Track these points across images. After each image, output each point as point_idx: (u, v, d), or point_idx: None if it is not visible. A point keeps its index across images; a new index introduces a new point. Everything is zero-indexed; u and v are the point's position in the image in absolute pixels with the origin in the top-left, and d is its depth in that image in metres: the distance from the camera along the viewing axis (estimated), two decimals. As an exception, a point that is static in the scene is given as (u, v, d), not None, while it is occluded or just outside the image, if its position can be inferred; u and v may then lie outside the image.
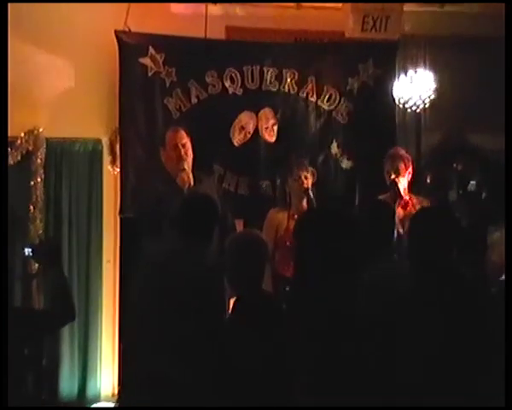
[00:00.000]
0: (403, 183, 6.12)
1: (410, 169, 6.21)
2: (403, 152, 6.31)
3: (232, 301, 4.19)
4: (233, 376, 3.64)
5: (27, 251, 4.22)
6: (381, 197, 6.07)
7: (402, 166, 6.16)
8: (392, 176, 6.11)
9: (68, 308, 4.16)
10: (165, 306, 4.05)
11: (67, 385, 6.78)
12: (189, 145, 5.88)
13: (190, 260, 4.20)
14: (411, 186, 6.23)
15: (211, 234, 4.41)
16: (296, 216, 6.06)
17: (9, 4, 5.63)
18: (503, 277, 3.94)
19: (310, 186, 6.11)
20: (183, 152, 5.82)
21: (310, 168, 6.29)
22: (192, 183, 5.73)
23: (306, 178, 6.14)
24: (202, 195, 5.16)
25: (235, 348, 3.73)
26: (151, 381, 3.92)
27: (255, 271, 4.05)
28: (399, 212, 5.84)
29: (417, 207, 6.05)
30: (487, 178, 7.34)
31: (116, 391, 6.83)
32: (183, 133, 5.90)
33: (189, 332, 3.94)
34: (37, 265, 6.36)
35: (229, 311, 4.18)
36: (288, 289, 6.00)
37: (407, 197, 6.11)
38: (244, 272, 4.01)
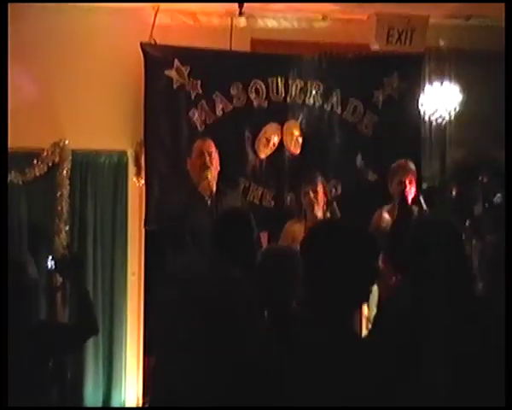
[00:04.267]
0: (410, 195, 6.17)
1: (414, 182, 6.26)
2: (411, 164, 6.33)
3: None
4: (261, 390, 3.59)
5: (50, 264, 4.23)
6: (386, 208, 6.11)
7: (411, 178, 6.20)
8: (405, 187, 6.13)
9: (90, 323, 4.14)
10: (194, 319, 4.00)
11: (92, 396, 6.80)
12: (215, 155, 5.95)
13: (225, 274, 4.11)
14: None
15: (248, 249, 4.29)
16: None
17: (34, 16, 5.69)
18: None
19: (319, 200, 6.10)
20: (208, 160, 5.88)
21: (321, 183, 6.22)
22: (214, 191, 5.77)
23: (315, 192, 6.13)
24: (238, 209, 5.13)
25: (264, 364, 3.62)
26: (178, 394, 3.90)
27: (285, 286, 3.92)
28: None
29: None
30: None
31: (141, 402, 6.85)
32: (211, 143, 6.01)
33: (216, 346, 3.91)
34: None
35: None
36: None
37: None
38: (274, 288, 3.94)
